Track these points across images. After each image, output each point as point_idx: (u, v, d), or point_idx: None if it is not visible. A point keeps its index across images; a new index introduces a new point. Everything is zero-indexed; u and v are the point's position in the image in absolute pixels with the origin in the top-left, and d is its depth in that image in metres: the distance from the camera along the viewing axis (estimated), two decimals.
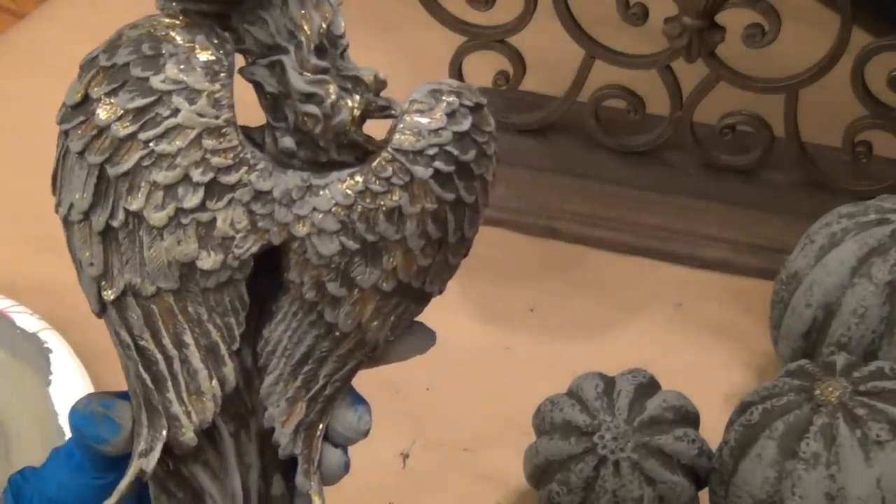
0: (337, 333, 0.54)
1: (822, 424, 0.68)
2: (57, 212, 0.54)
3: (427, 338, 0.57)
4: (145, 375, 0.52)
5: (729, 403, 0.75)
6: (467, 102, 0.54)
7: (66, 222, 0.53)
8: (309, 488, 0.53)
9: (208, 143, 0.52)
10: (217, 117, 0.52)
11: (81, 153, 0.52)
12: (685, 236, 0.92)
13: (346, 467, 0.55)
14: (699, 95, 0.92)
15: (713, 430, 0.73)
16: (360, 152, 0.54)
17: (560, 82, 0.95)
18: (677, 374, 0.76)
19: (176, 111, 0.52)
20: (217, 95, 0.52)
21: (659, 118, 0.94)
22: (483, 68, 0.95)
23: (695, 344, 0.87)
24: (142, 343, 0.52)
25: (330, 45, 0.53)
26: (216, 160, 0.52)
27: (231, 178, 0.52)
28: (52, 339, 0.83)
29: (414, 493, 0.78)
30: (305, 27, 0.53)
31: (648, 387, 0.73)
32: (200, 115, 0.52)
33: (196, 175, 0.52)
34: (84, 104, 0.52)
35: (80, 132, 0.52)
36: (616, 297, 0.90)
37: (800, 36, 0.93)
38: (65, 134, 0.53)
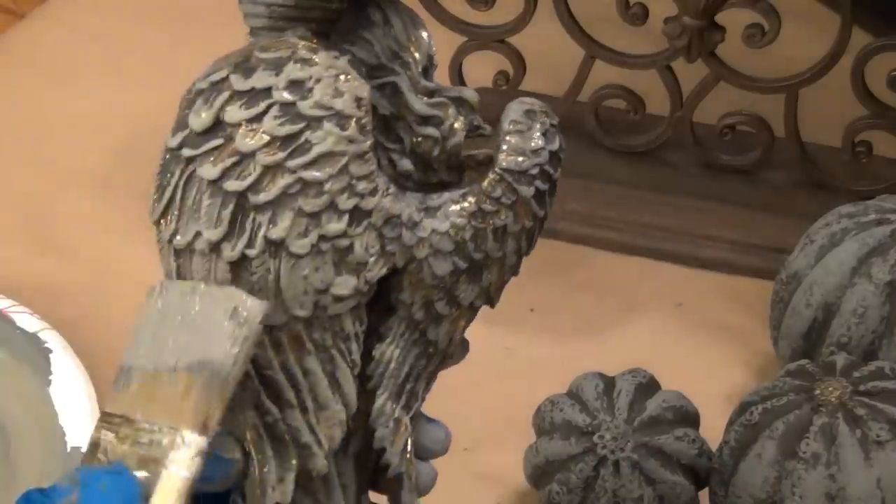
0: (431, 350, 0.54)
1: (822, 424, 0.68)
2: (172, 241, 0.51)
3: (465, 343, 0.56)
4: (269, 405, 0.51)
5: (729, 403, 0.75)
6: (554, 121, 0.55)
7: (185, 251, 0.51)
8: None
9: (355, 169, 0.50)
10: (364, 142, 0.50)
11: (216, 181, 0.50)
12: (685, 236, 0.92)
13: (435, 480, 0.55)
14: (699, 95, 0.92)
15: (713, 430, 0.72)
16: (460, 171, 0.54)
17: (560, 82, 0.94)
18: (677, 374, 0.76)
19: (327, 138, 0.50)
20: (364, 121, 0.50)
21: (659, 118, 0.94)
22: (483, 68, 0.95)
23: (695, 344, 0.87)
24: (268, 373, 0.51)
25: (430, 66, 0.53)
26: (361, 186, 0.50)
27: (370, 204, 0.51)
28: (52, 339, 0.82)
29: None
30: (412, 48, 0.53)
31: (648, 387, 0.73)
32: (351, 142, 0.50)
33: (342, 202, 0.50)
34: (215, 129, 0.50)
35: (212, 159, 0.50)
36: (616, 297, 0.90)
37: (800, 36, 0.93)
38: (187, 160, 0.50)
